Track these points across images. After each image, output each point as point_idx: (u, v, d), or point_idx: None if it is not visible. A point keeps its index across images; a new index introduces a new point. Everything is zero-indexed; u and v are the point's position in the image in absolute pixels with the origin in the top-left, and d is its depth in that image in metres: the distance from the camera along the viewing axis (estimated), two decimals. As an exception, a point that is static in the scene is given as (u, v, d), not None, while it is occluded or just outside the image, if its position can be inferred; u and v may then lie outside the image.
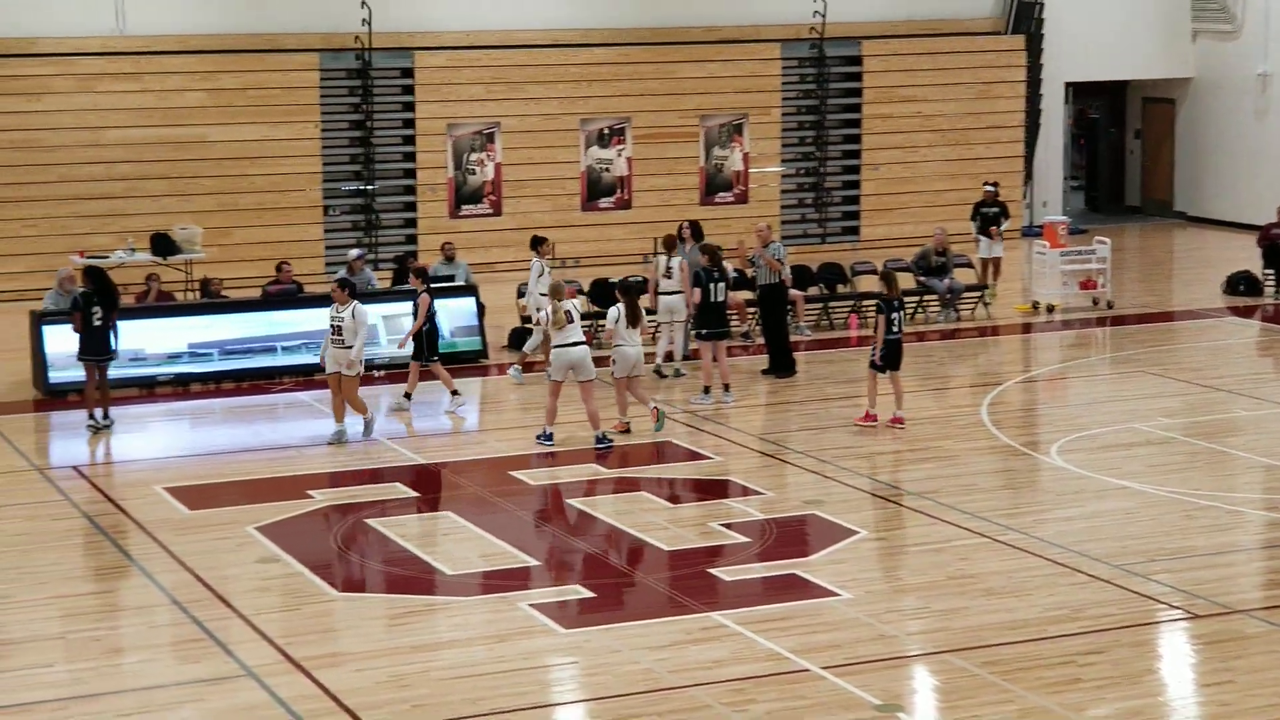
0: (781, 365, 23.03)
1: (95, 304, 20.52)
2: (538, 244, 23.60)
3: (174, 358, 22.90)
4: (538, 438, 19.50)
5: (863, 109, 34.44)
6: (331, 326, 19.63)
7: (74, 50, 29.91)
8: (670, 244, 23.28)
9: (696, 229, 24.54)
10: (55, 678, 12.82)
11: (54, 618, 14.27)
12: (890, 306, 20.29)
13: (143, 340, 22.83)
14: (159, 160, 30.04)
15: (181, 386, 22.80)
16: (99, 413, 20.50)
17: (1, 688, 12.54)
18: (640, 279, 23.09)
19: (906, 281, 27.43)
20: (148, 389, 22.59)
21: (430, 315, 21.37)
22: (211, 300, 24.49)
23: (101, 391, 20.59)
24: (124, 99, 29.96)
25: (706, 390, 21.52)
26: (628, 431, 19.96)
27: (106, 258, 27.57)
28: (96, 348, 20.54)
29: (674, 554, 15.70)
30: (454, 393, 21.41)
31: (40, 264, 28.24)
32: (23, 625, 13.99)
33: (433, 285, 21.98)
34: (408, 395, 21.46)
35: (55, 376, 22.34)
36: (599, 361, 20.23)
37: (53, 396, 22.18)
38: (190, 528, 16.67)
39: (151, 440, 20.97)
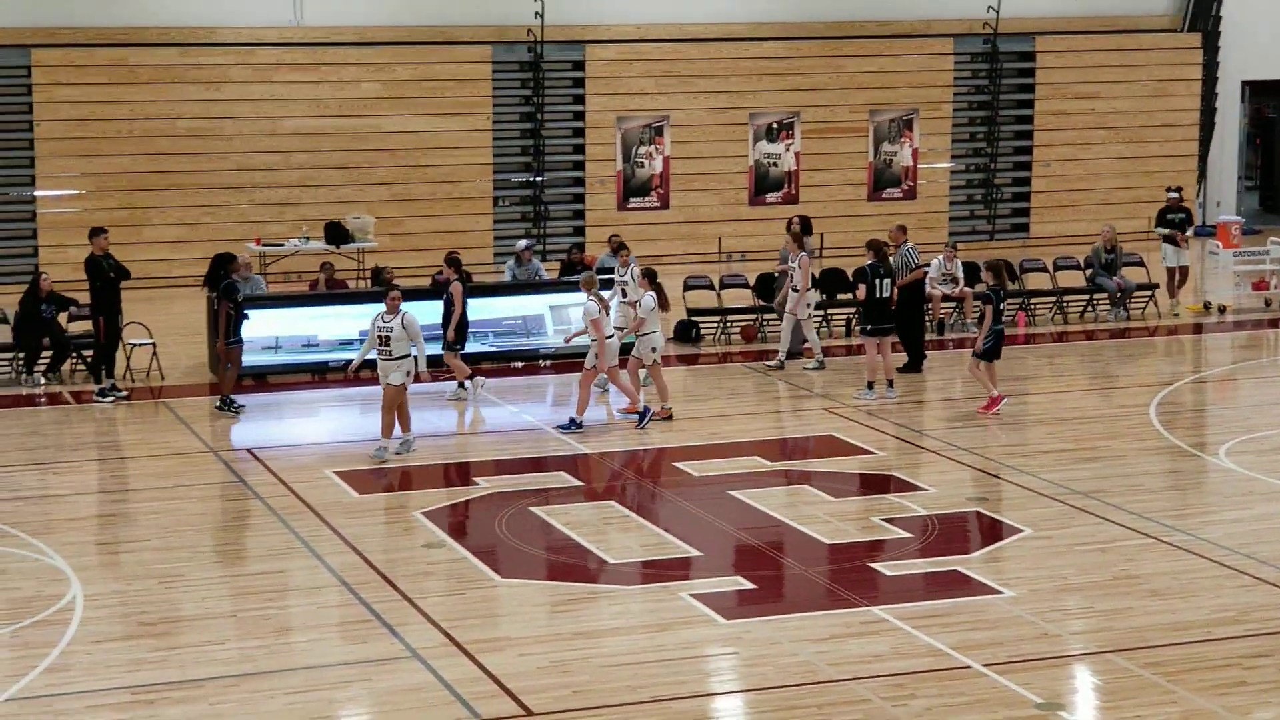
0: (917, 363, 22.96)
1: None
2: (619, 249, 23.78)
3: (345, 344, 23.25)
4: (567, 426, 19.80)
5: (1035, 105, 34.09)
6: (379, 336, 18.69)
7: (253, 40, 30.48)
8: (799, 239, 23.16)
9: (806, 224, 24.56)
10: (226, 655, 13.09)
11: (226, 596, 14.58)
12: (999, 297, 20.28)
13: (315, 327, 23.24)
14: (334, 150, 30.54)
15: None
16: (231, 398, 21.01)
17: (175, 664, 12.84)
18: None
19: (1078, 280, 27.17)
20: (319, 375, 22.98)
21: (463, 305, 21.68)
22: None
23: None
24: (300, 89, 30.48)
25: (870, 386, 21.44)
26: (670, 418, 20.22)
27: (281, 245, 28.15)
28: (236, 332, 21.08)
29: (834, 547, 15.69)
30: (460, 384, 21.71)
31: (216, 251, 28.76)
32: (196, 603, 14.32)
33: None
34: (461, 384, 21.80)
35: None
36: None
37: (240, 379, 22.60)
38: (359, 511, 16.96)
39: (322, 425, 21.34)
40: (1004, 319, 20.12)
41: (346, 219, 28.30)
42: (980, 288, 23.10)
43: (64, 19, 29.70)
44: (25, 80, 29.57)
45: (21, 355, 22.79)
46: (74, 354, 22.99)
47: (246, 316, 21.31)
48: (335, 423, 21.39)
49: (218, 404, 21.01)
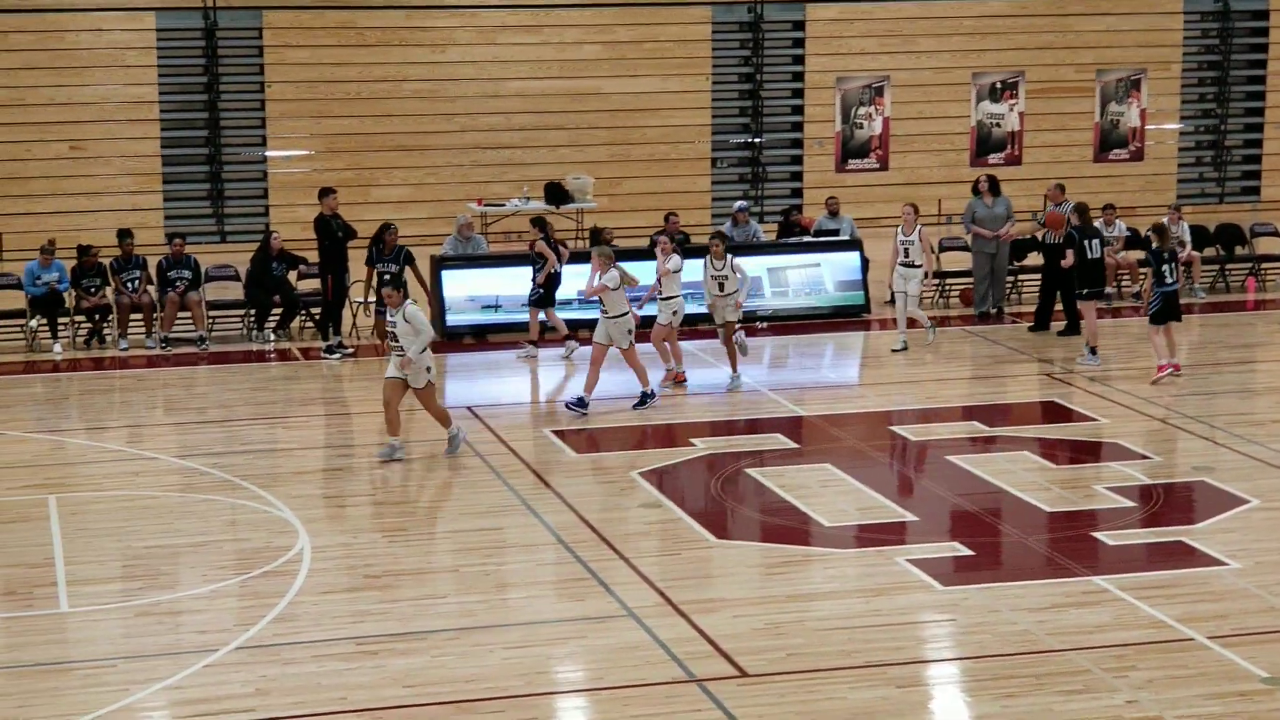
0: (1074, 326, 22.50)
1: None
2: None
3: (564, 304, 23.40)
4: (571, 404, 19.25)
5: (1268, 65, 33.09)
6: (389, 333, 17.55)
7: (478, 3, 30.73)
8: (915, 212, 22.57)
9: (994, 183, 24.13)
10: (447, 608, 13.28)
11: (448, 551, 14.80)
12: (1158, 259, 19.76)
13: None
14: (555, 111, 30.71)
15: (573, 331, 23.30)
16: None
17: (398, 616, 13.06)
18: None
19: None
20: (541, 334, 23.15)
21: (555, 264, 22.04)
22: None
23: None
24: (524, 51, 30.69)
25: (1093, 351, 21.05)
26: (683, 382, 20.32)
27: (502, 205, 28.43)
28: None
29: (1055, 515, 15.45)
30: (531, 342, 22.15)
31: (440, 210, 29.22)
32: (419, 558, 14.56)
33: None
34: (532, 343, 22.23)
35: (452, 320, 23.14)
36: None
37: (450, 339, 22.94)
38: (576, 471, 17.09)
39: (541, 384, 21.52)
40: (1167, 281, 19.67)
41: (566, 179, 28.47)
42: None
43: (295, -18, 30.25)
44: (256, 42, 30.16)
45: (252, 312, 23.34)
46: (303, 311, 23.49)
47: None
48: (554, 382, 21.55)
49: None
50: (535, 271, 22.18)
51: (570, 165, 29.80)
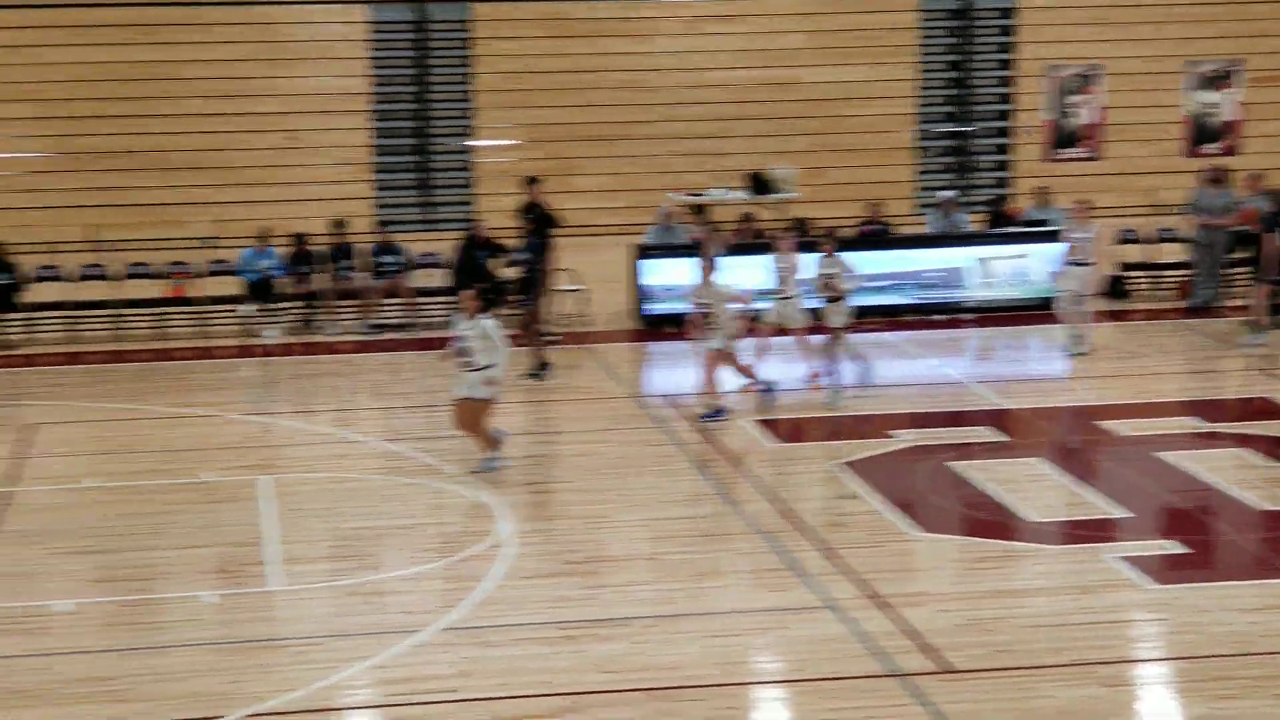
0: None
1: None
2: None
3: (766, 294, 23.28)
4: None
5: None
6: (457, 347, 16.31)
7: (682, -7, 30.80)
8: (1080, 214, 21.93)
9: (1221, 174, 23.54)
10: (647, 596, 13.28)
11: (647, 539, 14.80)
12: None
13: (738, 278, 23.32)
14: (758, 101, 30.61)
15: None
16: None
17: (598, 602, 13.09)
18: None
19: None
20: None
21: None
22: (804, 239, 24.76)
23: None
24: (727, 41, 30.64)
25: (1259, 329, 20.51)
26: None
27: (702, 195, 28.41)
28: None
29: (1272, 514, 15.03)
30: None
31: (640, 200, 29.26)
32: (619, 544, 14.59)
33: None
34: None
35: (651, 308, 23.17)
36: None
37: (649, 327, 22.99)
38: (775, 460, 17.01)
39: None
40: None
41: (769, 170, 28.37)
42: None
43: (502, -27, 30.53)
44: (465, 34, 30.49)
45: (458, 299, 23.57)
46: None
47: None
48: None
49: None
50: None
51: (772, 155, 29.69)
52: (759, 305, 19.77)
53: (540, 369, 20.39)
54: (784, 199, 28.08)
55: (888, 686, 11.42)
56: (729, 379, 18.62)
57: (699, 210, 22.64)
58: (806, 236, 24.19)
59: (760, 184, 27.95)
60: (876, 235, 24.59)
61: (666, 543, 14.63)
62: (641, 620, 12.70)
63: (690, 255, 23.55)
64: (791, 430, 18.08)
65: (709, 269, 18.54)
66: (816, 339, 19.51)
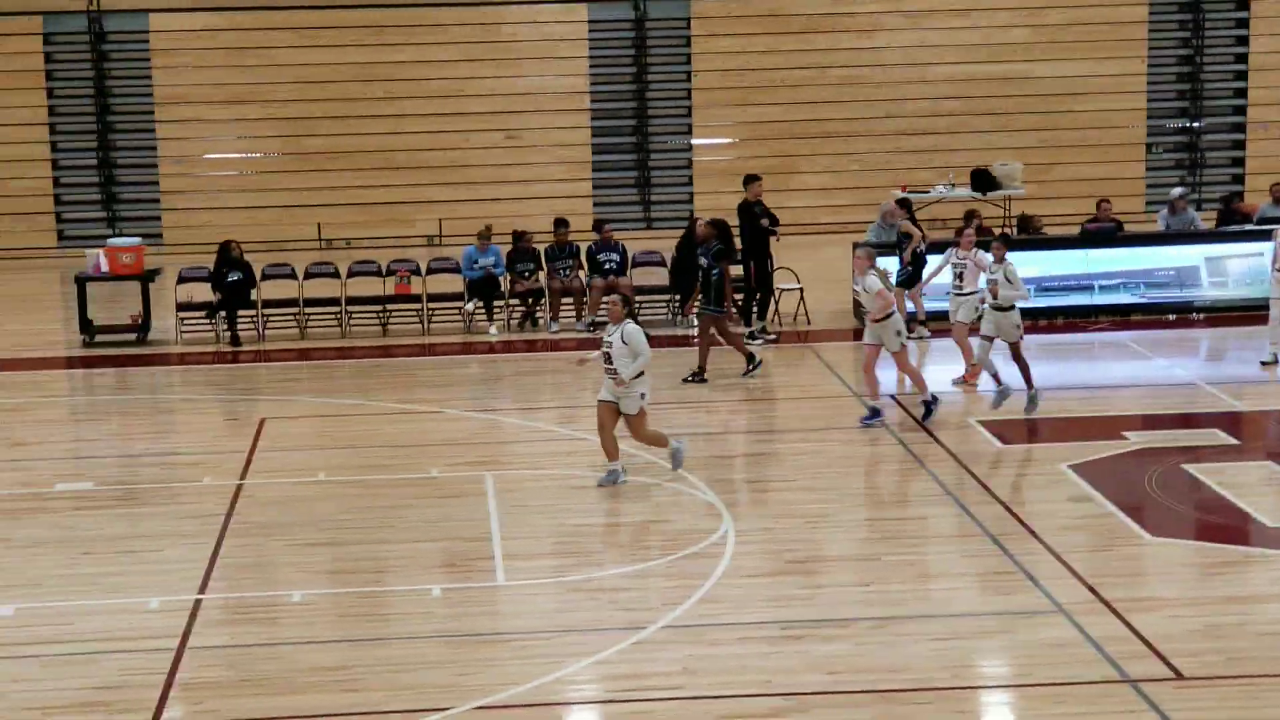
0: None
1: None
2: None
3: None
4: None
5: None
6: (603, 353, 15.90)
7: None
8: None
9: None
10: (870, 597, 13.23)
11: (869, 539, 14.75)
12: None
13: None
14: (983, 96, 30.35)
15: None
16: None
17: (821, 602, 13.08)
18: None
19: None
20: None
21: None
22: (1030, 237, 24.51)
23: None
24: (952, 35, 30.42)
25: None
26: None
27: (926, 193, 28.20)
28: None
29: None
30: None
31: (862, 198, 29.17)
32: (841, 544, 14.55)
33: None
34: (922, 322, 22.02)
35: (875, 307, 23.06)
36: None
37: (872, 326, 22.87)
38: (1003, 462, 16.84)
39: (951, 369, 21.25)
40: None
41: (993, 166, 28.09)
42: None
43: (723, -30, 30.64)
44: (684, 32, 30.63)
45: (676, 297, 23.69)
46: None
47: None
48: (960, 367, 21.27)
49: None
50: (900, 251, 21.97)
51: (997, 151, 29.39)
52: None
53: (751, 365, 20.34)
54: (1008, 195, 27.77)
55: (1119, 692, 11.26)
56: (889, 379, 18.44)
57: (906, 205, 22.56)
58: (1036, 234, 23.96)
59: (984, 180, 27.67)
60: (1105, 233, 24.19)
61: (890, 543, 14.56)
62: (865, 621, 12.66)
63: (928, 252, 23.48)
64: (1020, 431, 17.88)
65: (860, 265, 18.20)
66: (976, 340, 19.12)
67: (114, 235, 28.04)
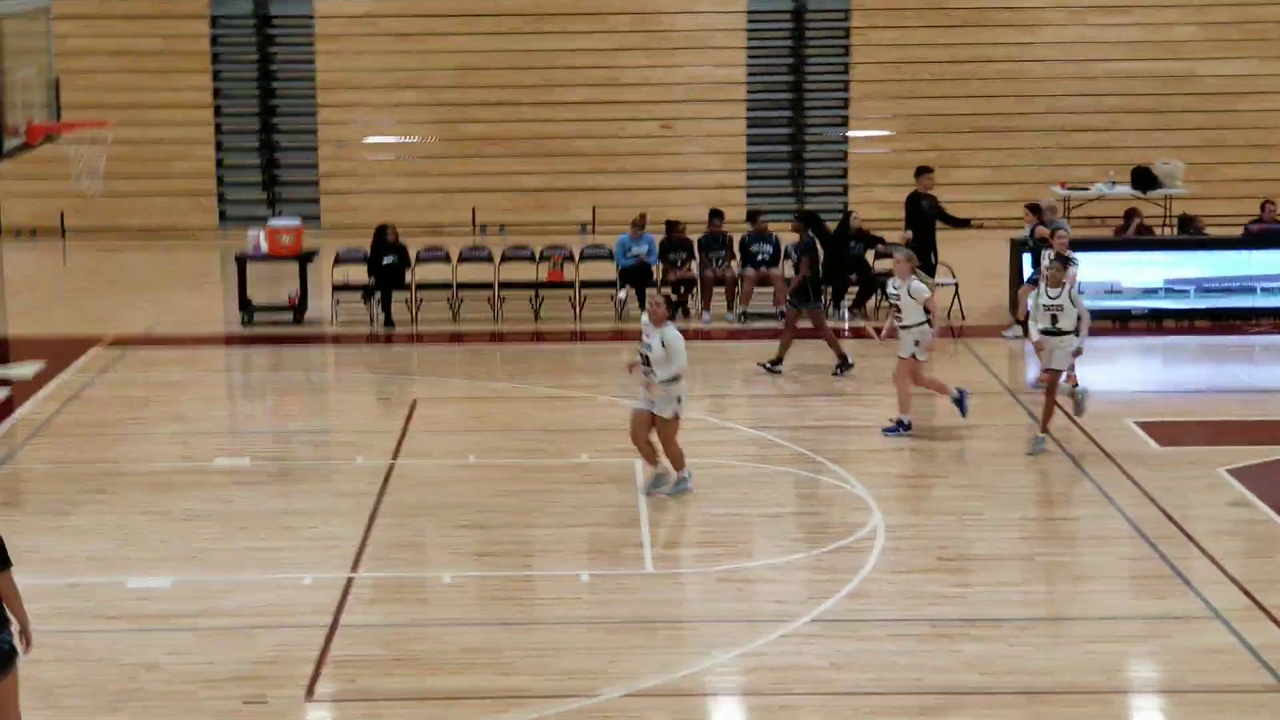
0: None
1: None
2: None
3: (1149, 293, 22.81)
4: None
5: None
6: (640, 355, 15.27)
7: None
8: None
9: None
10: (1021, 597, 13.11)
11: (1022, 539, 14.58)
12: None
13: (1118, 274, 22.89)
14: (1145, 94, 29.91)
15: (1155, 322, 22.71)
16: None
17: (972, 601, 12.95)
18: None
19: None
20: (1121, 322, 22.62)
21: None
22: (1190, 237, 24.11)
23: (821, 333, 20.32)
24: (1115, 32, 30.02)
25: None
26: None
27: (1086, 190, 27.85)
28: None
29: None
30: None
31: (1021, 194, 28.81)
32: (991, 543, 14.39)
33: None
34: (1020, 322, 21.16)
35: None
36: None
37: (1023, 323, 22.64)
38: (1159, 463, 16.57)
39: (1123, 373, 20.99)
40: None
41: (1155, 164, 27.66)
42: None
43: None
44: (844, 23, 30.48)
45: (829, 289, 23.56)
46: (880, 291, 23.57)
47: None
48: (1137, 372, 21.01)
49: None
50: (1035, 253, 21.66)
51: (1159, 149, 28.93)
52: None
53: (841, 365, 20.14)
54: (1169, 195, 27.34)
55: (1277, 701, 11.04)
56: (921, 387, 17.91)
57: (1036, 211, 22.12)
58: (1198, 234, 23.60)
59: (1145, 178, 27.25)
60: (1270, 234, 23.73)
61: (1042, 543, 14.41)
62: (1016, 621, 12.53)
63: (1072, 251, 23.16)
64: (1177, 433, 17.59)
65: (902, 269, 17.51)
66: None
67: (274, 216, 28.42)
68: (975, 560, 13.95)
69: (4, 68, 20.62)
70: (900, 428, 17.48)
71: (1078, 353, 16.83)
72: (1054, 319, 16.65)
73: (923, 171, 22.91)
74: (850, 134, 30.64)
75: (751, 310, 23.39)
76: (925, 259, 22.27)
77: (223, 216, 30.75)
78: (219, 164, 30.86)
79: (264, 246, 23.61)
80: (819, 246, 20.71)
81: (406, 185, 30.41)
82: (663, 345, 14.96)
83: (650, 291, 14.73)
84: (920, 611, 12.65)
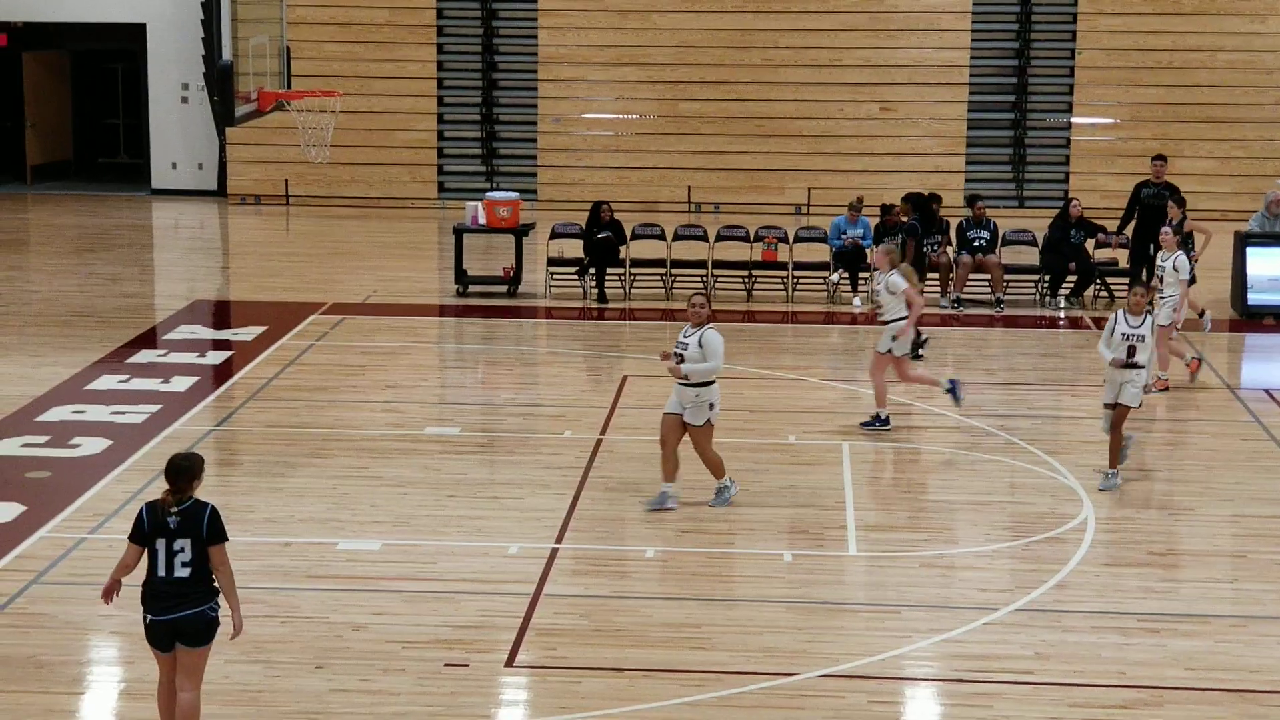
0: None
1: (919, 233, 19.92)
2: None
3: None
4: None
5: None
6: (675, 354, 14.24)
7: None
8: None
9: None
10: (1232, 594, 12.83)
11: (1234, 535, 14.28)
12: None
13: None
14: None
15: None
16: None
17: (1182, 596, 12.72)
18: None
19: None
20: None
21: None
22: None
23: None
24: (1350, 21, 29.20)
25: None
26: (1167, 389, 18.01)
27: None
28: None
29: None
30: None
31: (1246, 186, 28.22)
32: (1204, 539, 14.11)
33: None
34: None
35: (1254, 299, 22.30)
36: None
37: (1251, 318, 22.14)
38: (1383, 466, 16.12)
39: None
40: None
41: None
42: None
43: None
44: (1071, 9, 30.01)
45: (1047, 278, 23.26)
46: (1098, 280, 23.21)
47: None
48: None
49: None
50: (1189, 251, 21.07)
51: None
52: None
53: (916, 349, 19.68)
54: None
55: None
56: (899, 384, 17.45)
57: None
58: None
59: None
60: None
61: (1256, 541, 14.08)
62: (1226, 619, 12.28)
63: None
64: (1400, 435, 17.08)
65: (882, 262, 17.03)
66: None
67: (492, 189, 28.76)
68: (1185, 555, 13.70)
69: (237, 36, 21.16)
70: (877, 422, 16.95)
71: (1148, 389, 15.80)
72: (1132, 350, 15.06)
73: (1156, 159, 22.48)
74: (1074, 120, 30.14)
75: (966, 295, 23.15)
76: (1144, 251, 21.85)
77: (441, 188, 31.20)
78: (439, 136, 31.31)
79: (481, 219, 23.90)
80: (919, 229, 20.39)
81: (623, 161, 30.59)
82: (700, 345, 14.02)
83: (692, 295, 13.83)
84: (1128, 605, 12.45)
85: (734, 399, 18.31)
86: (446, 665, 11.28)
